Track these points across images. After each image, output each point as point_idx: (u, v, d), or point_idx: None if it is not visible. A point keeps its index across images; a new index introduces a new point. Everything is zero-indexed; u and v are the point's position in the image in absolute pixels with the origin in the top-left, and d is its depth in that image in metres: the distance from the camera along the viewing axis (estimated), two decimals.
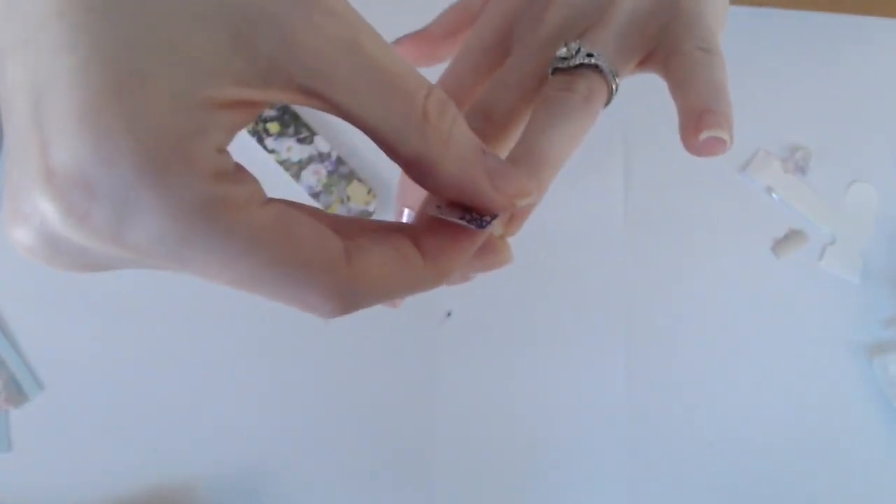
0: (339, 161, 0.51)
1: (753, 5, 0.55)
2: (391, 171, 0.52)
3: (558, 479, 0.48)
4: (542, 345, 0.50)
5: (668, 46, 0.25)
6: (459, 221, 0.19)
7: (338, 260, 0.16)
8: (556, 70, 0.24)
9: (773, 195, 0.53)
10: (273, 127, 0.51)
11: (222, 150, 0.15)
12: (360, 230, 0.18)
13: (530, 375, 0.49)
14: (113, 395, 0.47)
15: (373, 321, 0.49)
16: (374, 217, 0.50)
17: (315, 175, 0.51)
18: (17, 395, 0.47)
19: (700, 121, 0.22)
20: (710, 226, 0.52)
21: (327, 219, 0.18)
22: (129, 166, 0.13)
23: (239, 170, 0.16)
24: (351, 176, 0.51)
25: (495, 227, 0.20)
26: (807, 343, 0.51)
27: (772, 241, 0.52)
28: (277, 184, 0.50)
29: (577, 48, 0.23)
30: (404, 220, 0.26)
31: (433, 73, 0.27)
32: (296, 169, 0.50)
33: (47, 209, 0.13)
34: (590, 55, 0.23)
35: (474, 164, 0.18)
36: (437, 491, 0.47)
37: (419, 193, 0.24)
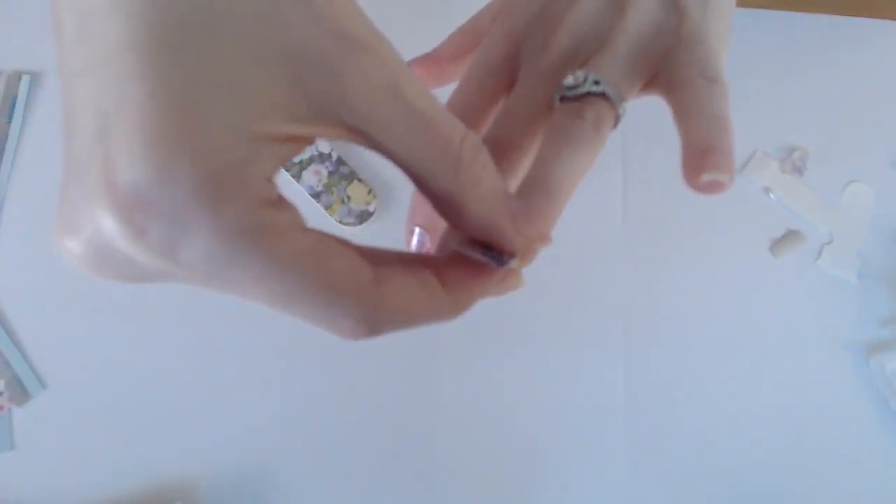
0: (340, 161, 0.51)
1: (751, 7, 0.55)
2: (391, 172, 0.52)
3: (558, 479, 0.48)
4: (542, 345, 0.50)
5: (671, 72, 0.25)
6: (481, 258, 0.20)
7: (368, 287, 0.17)
8: (563, 98, 0.24)
9: (771, 195, 0.53)
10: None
11: (270, 180, 0.16)
12: (385, 259, 0.19)
13: (530, 375, 0.50)
14: (115, 395, 0.47)
15: None
16: (374, 217, 0.50)
17: (316, 175, 0.51)
18: (20, 394, 0.47)
19: (703, 160, 0.22)
20: (708, 226, 0.53)
21: (356, 248, 0.19)
22: (188, 189, 0.14)
23: (281, 198, 0.17)
24: (351, 176, 0.51)
25: (513, 264, 0.21)
26: (804, 342, 0.51)
27: (769, 241, 0.53)
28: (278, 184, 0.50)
29: (584, 77, 0.24)
30: (414, 239, 0.26)
31: (442, 94, 0.28)
32: (296, 169, 0.51)
33: (107, 222, 0.14)
34: (597, 82, 0.24)
35: (500, 207, 0.19)
36: (437, 490, 0.47)
37: (430, 213, 0.25)
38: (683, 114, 0.24)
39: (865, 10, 0.57)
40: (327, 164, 0.51)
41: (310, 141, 0.17)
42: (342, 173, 0.51)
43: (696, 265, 0.52)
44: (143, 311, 0.49)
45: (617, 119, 0.24)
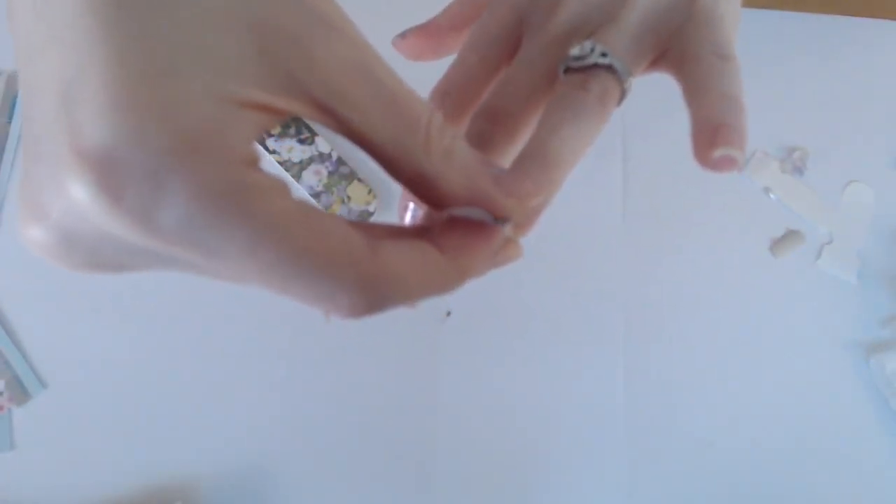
0: (340, 161, 0.51)
1: (751, 7, 0.55)
2: None
3: (558, 478, 0.48)
4: (541, 343, 0.50)
5: (684, 49, 0.24)
6: (477, 214, 0.19)
7: (362, 253, 0.16)
8: (568, 69, 0.23)
9: (771, 195, 0.53)
10: (274, 128, 0.51)
11: (249, 143, 0.15)
12: (377, 233, 0.19)
13: (529, 374, 0.50)
14: (115, 395, 0.47)
15: (373, 320, 0.49)
16: (374, 217, 0.50)
17: (316, 175, 0.51)
18: (20, 393, 0.47)
19: (715, 135, 0.21)
20: (708, 226, 0.53)
21: (347, 220, 0.18)
22: (163, 148, 0.13)
23: (262, 167, 0.16)
24: (351, 176, 0.51)
25: (507, 229, 0.20)
26: (804, 342, 0.51)
27: (769, 241, 0.53)
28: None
29: (591, 47, 0.23)
30: (408, 214, 0.25)
31: (440, 66, 0.27)
32: (297, 169, 0.51)
33: (78, 192, 0.14)
34: (604, 55, 0.23)
35: (479, 172, 0.19)
36: (436, 490, 0.47)
37: None
38: (695, 91, 0.23)
39: (865, 10, 0.57)
40: (327, 164, 0.51)
41: (284, 115, 0.16)
42: (342, 173, 0.51)
43: (695, 265, 0.52)
44: (143, 311, 0.49)
45: (623, 94, 0.23)
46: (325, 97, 0.16)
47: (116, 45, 0.14)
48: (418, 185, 0.19)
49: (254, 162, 0.15)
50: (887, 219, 0.53)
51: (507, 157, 0.24)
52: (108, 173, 0.13)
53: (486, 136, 0.23)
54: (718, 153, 0.21)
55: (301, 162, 0.51)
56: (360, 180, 0.51)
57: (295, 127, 0.51)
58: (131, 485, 0.46)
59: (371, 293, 0.16)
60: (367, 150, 0.18)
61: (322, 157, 0.51)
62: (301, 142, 0.51)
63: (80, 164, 0.13)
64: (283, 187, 0.16)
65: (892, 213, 0.53)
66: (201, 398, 0.48)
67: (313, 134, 0.51)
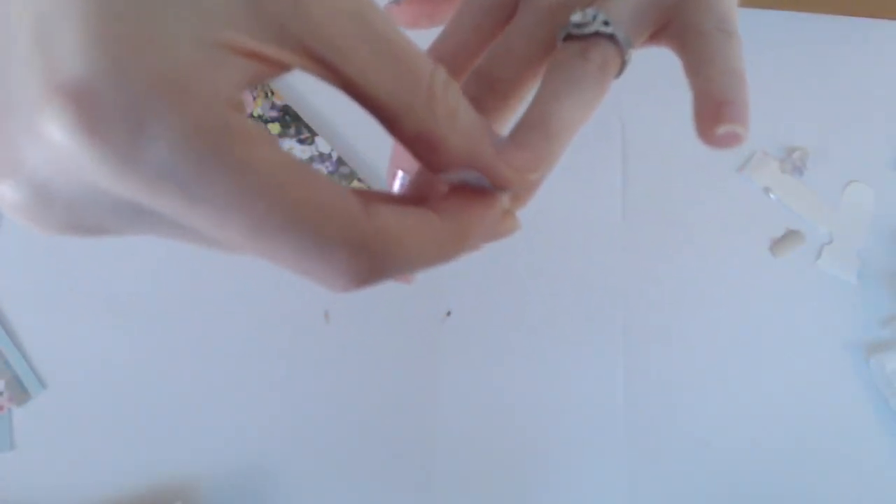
0: (340, 161, 0.51)
1: (752, 7, 0.55)
2: None
3: (557, 477, 0.48)
4: (541, 343, 0.50)
5: (686, 23, 0.24)
6: (475, 178, 0.19)
7: (358, 212, 0.15)
8: (568, 36, 0.23)
9: (771, 195, 0.53)
10: (274, 128, 0.51)
11: (237, 87, 0.15)
12: (374, 196, 0.18)
13: (529, 373, 0.50)
14: (115, 395, 0.47)
15: (373, 320, 0.49)
16: None
17: None
18: (20, 393, 0.47)
19: (719, 112, 0.21)
20: (708, 225, 0.53)
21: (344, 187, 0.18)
22: (147, 82, 0.13)
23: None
24: (351, 176, 0.51)
25: (505, 199, 0.20)
26: (804, 342, 0.51)
27: (769, 241, 0.53)
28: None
29: (593, 15, 0.22)
30: (397, 182, 0.25)
31: (435, 34, 0.26)
32: None
33: (54, 130, 0.13)
34: (606, 23, 0.22)
35: (482, 137, 0.18)
36: (437, 490, 0.47)
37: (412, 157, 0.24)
38: (697, 66, 0.23)
39: (865, 10, 0.57)
40: (327, 164, 0.51)
41: (276, 65, 0.16)
42: (342, 173, 0.51)
43: (695, 265, 0.52)
44: (143, 311, 0.49)
45: (622, 65, 0.23)
46: (320, 48, 0.15)
47: None
48: (418, 145, 0.18)
49: (241, 108, 0.15)
50: (887, 219, 0.53)
51: (500, 125, 0.24)
52: (87, 107, 0.12)
53: (480, 101, 0.23)
54: (723, 129, 0.21)
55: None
56: (360, 180, 0.51)
57: (295, 127, 0.51)
58: (131, 485, 0.46)
59: (369, 255, 0.15)
60: (367, 107, 0.17)
61: (322, 157, 0.51)
62: (301, 142, 0.51)
63: (58, 99, 0.12)
64: (273, 139, 0.15)
65: (892, 213, 0.53)
66: (201, 398, 0.48)
67: (313, 134, 0.51)
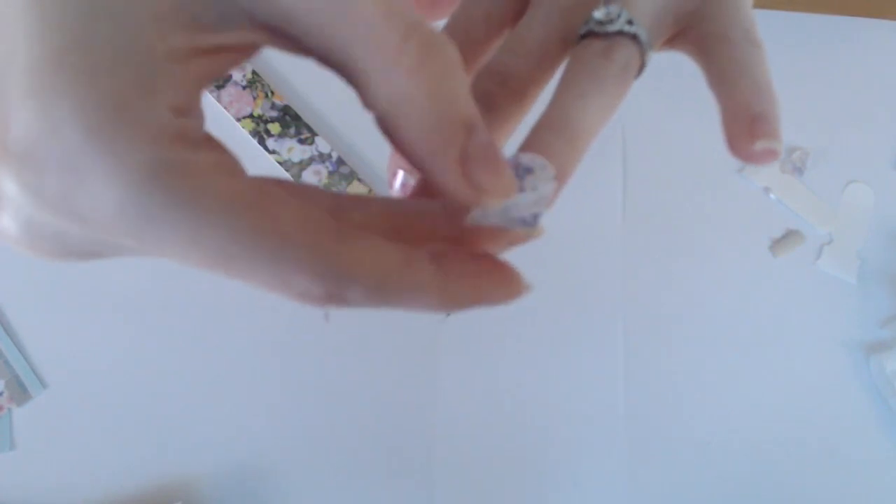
0: (340, 161, 0.51)
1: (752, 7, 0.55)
2: None
3: (557, 477, 0.48)
4: (541, 343, 0.50)
5: (708, 30, 0.23)
6: (506, 224, 0.17)
7: (324, 235, 0.14)
8: (589, 33, 0.21)
9: (771, 195, 0.53)
10: (274, 128, 0.51)
11: (182, 113, 0.14)
12: (374, 214, 0.17)
13: (529, 374, 0.50)
14: (115, 394, 0.47)
15: (373, 320, 0.49)
16: None
17: (316, 175, 0.51)
18: (21, 393, 0.47)
19: (753, 127, 0.20)
20: (708, 226, 0.53)
21: (328, 199, 0.16)
22: (74, 133, 0.13)
23: (208, 139, 0.15)
24: (351, 176, 0.51)
25: (537, 229, 0.18)
26: (804, 342, 0.51)
27: (769, 241, 0.53)
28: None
29: (618, 13, 0.21)
30: (397, 182, 0.23)
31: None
32: (297, 169, 0.51)
33: (9, 186, 0.13)
34: (630, 22, 0.21)
35: (449, 134, 0.15)
36: (436, 489, 0.47)
37: None
38: (725, 78, 0.22)
39: (865, 10, 0.57)
40: (327, 164, 0.51)
41: (228, 54, 0.15)
42: (342, 173, 0.51)
43: (695, 265, 0.52)
44: (142, 310, 0.49)
45: (641, 68, 0.22)
46: (272, 17, 0.14)
47: (27, 24, 0.13)
48: (383, 121, 0.16)
49: (185, 136, 0.14)
50: (887, 219, 0.53)
51: (512, 123, 0.22)
52: (27, 169, 0.13)
53: (493, 99, 0.21)
54: (760, 146, 0.20)
55: (301, 162, 0.51)
56: (360, 180, 0.51)
57: (295, 127, 0.51)
58: (131, 485, 0.46)
59: (330, 279, 0.14)
60: (336, 72, 0.15)
61: (322, 157, 0.51)
62: (301, 142, 0.51)
63: (5, 159, 0.13)
64: (227, 165, 0.14)
65: (892, 213, 0.53)
66: (201, 398, 0.48)
67: (313, 134, 0.51)
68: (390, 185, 0.24)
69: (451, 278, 0.16)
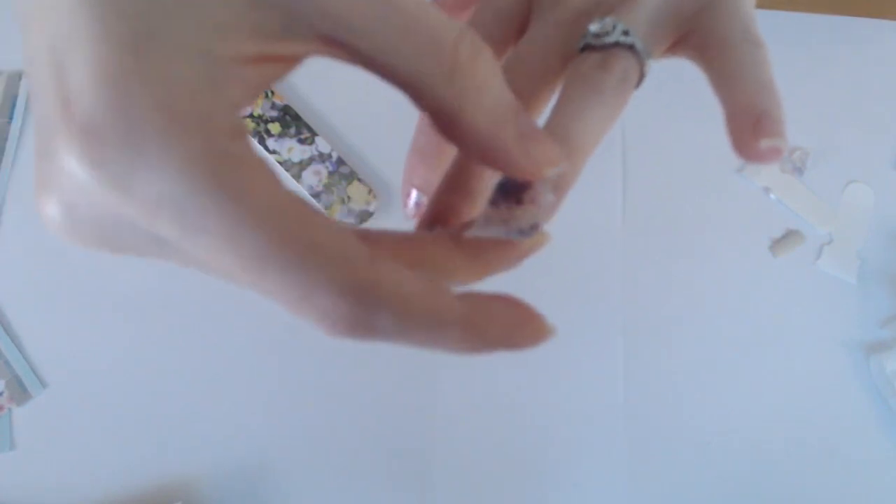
0: (340, 161, 0.51)
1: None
2: (392, 172, 0.52)
3: (557, 478, 0.48)
4: (541, 344, 0.50)
5: (709, 33, 0.23)
6: (501, 232, 0.18)
7: (358, 256, 0.15)
8: (586, 46, 0.22)
9: (771, 195, 0.53)
10: (274, 128, 0.51)
11: (240, 109, 0.15)
12: (389, 245, 0.17)
13: (529, 375, 0.50)
14: (115, 394, 0.47)
15: None
16: (374, 217, 0.50)
17: (316, 175, 0.51)
18: (21, 393, 0.47)
19: (759, 125, 0.20)
20: (708, 226, 0.53)
21: (355, 229, 0.17)
22: (145, 114, 0.13)
23: (253, 143, 0.15)
24: (352, 176, 0.51)
25: (538, 236, 0.19)
26: (804, 342, 0.51)
27: (769, 241, 0.53)
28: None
29: (613, 25, 0.21)
30: (412, 201, 0.24)
31: None
32: (297, 169, 0.51)
33: (69, 161, 0.14)
34: (626, 33, 0.21)
35: (506, 119, 0.17)
36: (436, 489, 0.47)
37: (428, 173, 0.23)
38: (727, 79, 0.22)
39: (865, 10, 0.57)
40: (327, 164, 0.51)
41: (288, 61, 0.16)
42: (342, 173, 0.51)
43: (695, 265, 0.52)
44: (143, 310, 0.49)
45: (641, 77, 0.22)
46: (331, 29, 0.15)
47: (100, 11, 0.13)
48: (442, 119, 0.17)
49: (242, 132, 0.15)
50: (887, 219, 0.53)
51: None
52: (90, 141, 0.13)
53: None
54: (766, 143, 0.20)
55: (301, 162, 0.51)
56: (360, 180, 0.51)
57: (295, 127, 0.51)
58: (131, 485, 0.46)
59: (357, 300, 0.14)
60: (388, 81, 0.16)
61: (322, 157, 0.51)
62: (301, 142, 0.51)
63: (67, 131, 0.13)
64: (273, 172, 0.15)
65: (892, 213, 0.54)
66: (201, 398, 0.48)
67: (313, 134, 0.51)
68: (404, 204, 0.24)
69: (477, 313, 0.17)
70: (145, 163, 0.13)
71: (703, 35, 0.23)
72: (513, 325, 0.18)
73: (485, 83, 0.17)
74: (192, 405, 0.48)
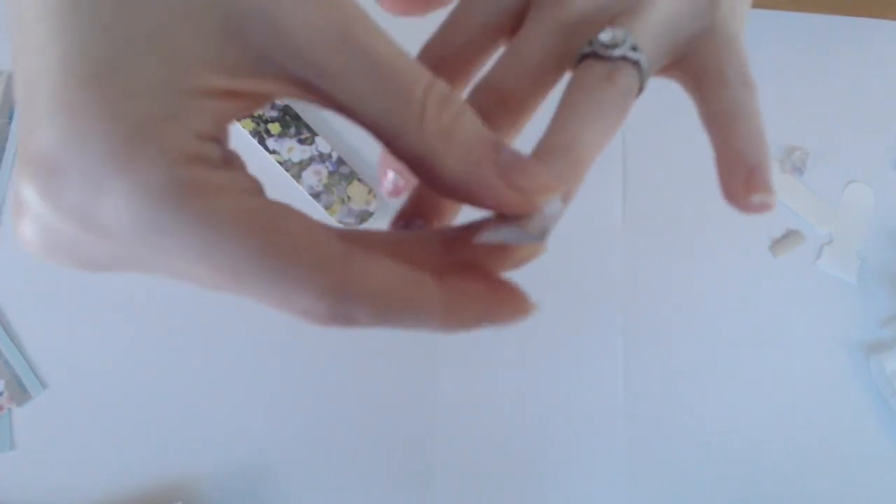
0: (340, 161, 0.51)
1: (752, 7, 0.55)
2: None
3: (557, 478, 0.48)
4: (541, 344, 0.50)
5: (704, 65, 0.23)
6: (508, 238, 0.17)
7: (332, 257, 0.15)
8: (591, 54, 0.21)
9: None
10: (274, 128, 0.51)
11: (206, 138, 0.15)
12: (375, 245, 0.17)
13: (529, 375, 0.50)
14: (115, 395, 0.47)
15: None
16: (374, 217, 0.50)
17: (316, 175, 0.51)
18: (21, 393, 0.47)
19: (750, 180, 0.20)
20: (708, 226, 0.53)
21: (337, 230, 0.17)
22: (98, 148, 0.13)
23: (230, 160, 0.16)
24: (352, 176, 0.51)
25: (533, 248, 0.19)
26: (804, 342, 0.51)
27: (769, 241, 0.53)
28: (278, 184, 0.50)
29: (623, 38, 0.21)
30: (388, 182, 0.23)
31: (429, 25, 0.25)
32: (297, 169, 0.51)
33: (29, 194, 0.14)
34: (634, 48, 0.21)
35: (482, 160, 0.17)
36: (436, 489, 0.47)
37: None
38: (722, 122, 0.22)
39: (865, 10, 0.57)
40: (327, 163, 0.51)
41: (258, 97, 0.16)
42: (342, 173, 0.51)
43: (695, 265, 0.52)
44: (142, 311, 0.49)
45: (638, 92, 0.22)
46: (301, 72, 0.15)
47: (62, 46, 0.14)
48: (418, 168, 0.17)
49: (205, 157, 0.15)
50: (887, 219, 0.53)
51: (510, 138, 0.23)
52: (46, 176, 0.13)
53: (489, 116, 0.21)
54: (757, 199, 0.20)
55: (301, 162, 0.51)
56: (360, 180, 0.51)
57: (295, 127, 0.51)
58: (131, 485, 0.46)
59: (337, 300, 0.15)
60: (360, 125, 0.17)
61: (322, 157, 0.51)
62: (301, 142, 0.51)
63: (27, 166, 0.14)
64: (243, 184, 0.15)
65: (892, 213, 0.54)
66: (201, 398, 0.48)
67: (313, 134, 0.51)
68: (380, 184, 0.24)
69: (456, 298, 0.17)
70: (105, 197, 0.13)
71: (698, 64, 0.23)
72: (493, 305, 0.18)
73: (455, 129, 0.17)
74: (191, 405, 0.48)
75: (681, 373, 0.50)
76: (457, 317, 0.17)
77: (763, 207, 0.20)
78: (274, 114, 0.51)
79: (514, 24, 0.24)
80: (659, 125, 0.54)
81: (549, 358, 0.50)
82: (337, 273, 0.15)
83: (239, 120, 0.20)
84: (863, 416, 0.50)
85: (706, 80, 0.23)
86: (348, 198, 0.51)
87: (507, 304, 0.19)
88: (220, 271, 0.14)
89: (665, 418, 0.49)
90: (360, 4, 0.16)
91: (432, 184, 0.18)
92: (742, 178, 0.21)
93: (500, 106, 0.22)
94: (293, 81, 0.16)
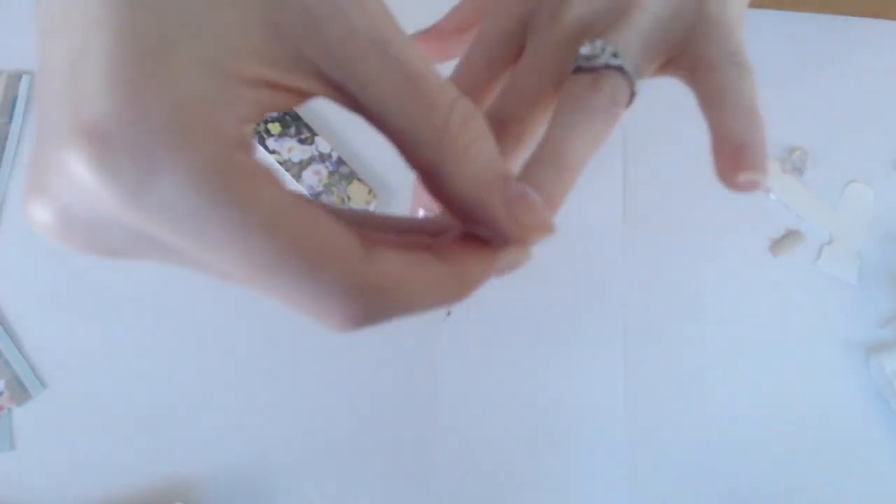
0: (340, 161, 0.51)
1: (751, 7, 0.55)
2: (391, 172, 0.52)
3: (557, 477, 0.48)
4: (541, 343, 0.50)
5: (696, 55, 0.24)
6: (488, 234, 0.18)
7: (357, 256, 0.15)
8: (578, 69, 0.23)
9: (771, 195, 0.53)
10: (274, 128, 0.51)
11: (245, 125, 0.15)
12: (377, 229, 0.18)
13: (529, 374, 0.50)
14: (116, 394, 0.47)
15: None
16: None
17: (316, 175, 0.51)
18: (21, 393, 0.47)
19: (739, 158, 0.21)
20: (708, 225, 0.53)
21: (345, 215, 0.18)
22: (157, 123, 0.13)
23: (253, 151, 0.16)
24: (351, 176, 0.51)
25: (508, 255, 0.19)
26: (804, 342, 0.51)
27: (769, 241, 0.53)
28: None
29: (602, 47, 0.22)
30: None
31: (443, 71, 0.27)
32: (297, 169, 0.51)
33: (77, 165, 0.14)
34: (615, 55, 0.22)
35: (493, 186, 0.18)
36: (437, 489, 0.47)
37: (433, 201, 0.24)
38: (713, 103, 0.23)
39: (865, 10, 0.57)
40: (327, 163, 0.51)
41: (292, 93, 0.16)
42: (342, 173, 0.51)
43: (695, 265, 0.52)
44: (143, 311, 0.49)
45: (631, 97, 0.23)
46: (336, 74, 0.16)
47: (117, 22, 0.14)
48: (427, 178, 0.18)
49: (249, 146, 0.15)
50: (887, 219, 0.53)
51: (515, 161, 0.24)
52: (105, 146, 0.13)
53: (497, 141, 0.23)
54: (743, 178, 0.20)
55: (301, 162, 0.51)
56: (360, 180, 0.51)
57: (295, 127, 0.51)
58: (131, 485, 0.46)
59: (364, 300, 0.15)
60: (381, 131, 0.17)
61: (322, 157, 0.51)
62: (301, 142, 0.51)
63: (80, 137, 0.14)
64: (277, 178, 0.15)
65: (892, 213, 0.54)
66: (201, 398, 0.48)
67: (313, 134, 0.51)
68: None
69: (457, 266, 0.18)
70: (155, 169, 0.13)
71: (692, 57, 0.24)
72: (491, 258, 0.19)
73: (471, 150, 0.17)
74: (191, 405, 0.48)
75: (681, 372, 0.50)
76: (464, 282, 0.18)
77: (750, 186, 0.21)
78: (274, 114, 0.51)
79: (515, 55, 0.26)
80: (659, 125, 0.54)
81: (550, 357, 0.50)
82: (362, 271, 0.15)
83: (277, 113, 0.21)
84: (863, 416, 0.50)
85: (699, 67, 0.23)
86: (348, 198, 0.51)
87: (504, 252, 0.20)
88: (255, 263, 0.14)
89: (665, 418, 0.49)
90: (393, 14, 0.17)
91: (438, 194, 0.18)
92: (731, 157, 0.21)
93: (503, 131, 0.23)
94: (325, 82, 0.16)
